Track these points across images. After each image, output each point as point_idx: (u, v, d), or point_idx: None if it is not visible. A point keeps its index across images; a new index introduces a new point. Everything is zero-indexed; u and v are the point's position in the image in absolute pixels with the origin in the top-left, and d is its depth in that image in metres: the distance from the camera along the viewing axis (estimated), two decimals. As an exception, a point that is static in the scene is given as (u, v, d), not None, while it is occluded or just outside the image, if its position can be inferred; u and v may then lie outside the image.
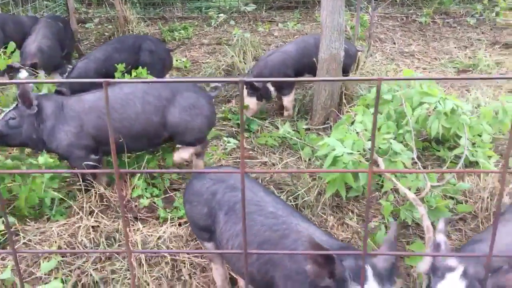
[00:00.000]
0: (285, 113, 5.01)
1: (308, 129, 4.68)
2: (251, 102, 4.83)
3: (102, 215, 3.23)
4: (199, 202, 2.44)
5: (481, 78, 0.95)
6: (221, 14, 8.36)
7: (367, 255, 1.71)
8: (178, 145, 3.67)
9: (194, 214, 2.49)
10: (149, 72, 4.79)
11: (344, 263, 1.76)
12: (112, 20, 7.71)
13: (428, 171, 1.31)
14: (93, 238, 3.02)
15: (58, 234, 3.04)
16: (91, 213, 3.27)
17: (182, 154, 3.64)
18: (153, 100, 3.41)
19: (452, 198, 3.48)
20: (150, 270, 2.82)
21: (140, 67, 4.42)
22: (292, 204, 3.48)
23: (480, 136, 3.88)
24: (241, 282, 2.78)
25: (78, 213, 3.22)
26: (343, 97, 4.70)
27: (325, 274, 1.75)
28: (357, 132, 3.65)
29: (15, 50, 4.58)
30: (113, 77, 4.84)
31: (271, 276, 2.09)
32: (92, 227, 3.12)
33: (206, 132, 3.69)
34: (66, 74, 5.06)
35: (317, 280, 1.77)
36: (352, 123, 3.86)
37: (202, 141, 3.69)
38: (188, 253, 2.91)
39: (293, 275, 2.00)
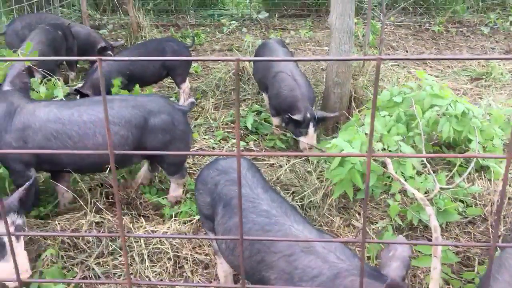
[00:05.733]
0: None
1: (317, 132, 4.65)
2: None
3: (107, 212, 3.21)
4: (204, 191, 2.47)
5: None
6: (233, 22, 8.41)
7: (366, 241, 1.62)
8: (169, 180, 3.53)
9: (200, 202, 2.53)
10: (175, 72, 5.05)
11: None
12: (126, 27, 7.79)
13: (427, 156, 1.28)
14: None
15: (62, 228, 3.03)
16: (96, 210, 3.26)
17: (176, 192, 3.47)
18: (120, 130, 3.07)
19: (461, 201, 3.41)
20: (152, 266, 2.79)
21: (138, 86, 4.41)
22: (298, 205, 3.44)
23: (491, 140, 3.81)
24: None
25: (83, 209, 3.20)
26: (352, 100, 4.66)
27: None
28: (366, 134, 3.61)
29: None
30: (141, 80, 4.92)
31: (263, 275, 2.05)
32: (96, 223, 3.11)
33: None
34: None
35: None
36: (361, 125, 3.82)
37: (183, 163, 3.48)
38: (188, 239, 2.87)
39: (295, 279, 1.95)
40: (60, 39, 5.34)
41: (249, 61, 1.78)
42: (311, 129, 4.17)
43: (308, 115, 4.13)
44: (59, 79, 4.39)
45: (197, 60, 1.08)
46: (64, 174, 3.32)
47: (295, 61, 4.32)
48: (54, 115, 3.03)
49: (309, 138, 4.20)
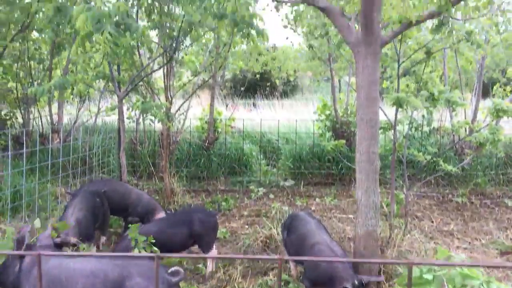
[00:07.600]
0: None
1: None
2: None
3: None
4: None
5: None
6: (261, 188, 8.81)
7: None
8: None
9: None
10: (202, 241, 5.10)
11: None
12: (160, 192, 8.24)
13: None
14: None
15: None
16: None
17: None
18: (98, 283, 3.20)
19: None
20: None
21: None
22: None
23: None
24: None
25: None
26: (381, 274, 4.63)
27: None
28: (397, 313, 3.53)
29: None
30: (168, 247, 5.08)
31: None
32: None
33: None
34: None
35: None
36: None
37: None
38: None
39: None
40: (98, 205, 5.71)
41: (293, 260, 1.92)
42: None
43: (356, 282, 4.03)
44: (92, 245, 4.59)
45: (243, 258, 1.22)
46: None
47: (343, 261, 4.17)
48: (57, 263, 3.26)
49: None
